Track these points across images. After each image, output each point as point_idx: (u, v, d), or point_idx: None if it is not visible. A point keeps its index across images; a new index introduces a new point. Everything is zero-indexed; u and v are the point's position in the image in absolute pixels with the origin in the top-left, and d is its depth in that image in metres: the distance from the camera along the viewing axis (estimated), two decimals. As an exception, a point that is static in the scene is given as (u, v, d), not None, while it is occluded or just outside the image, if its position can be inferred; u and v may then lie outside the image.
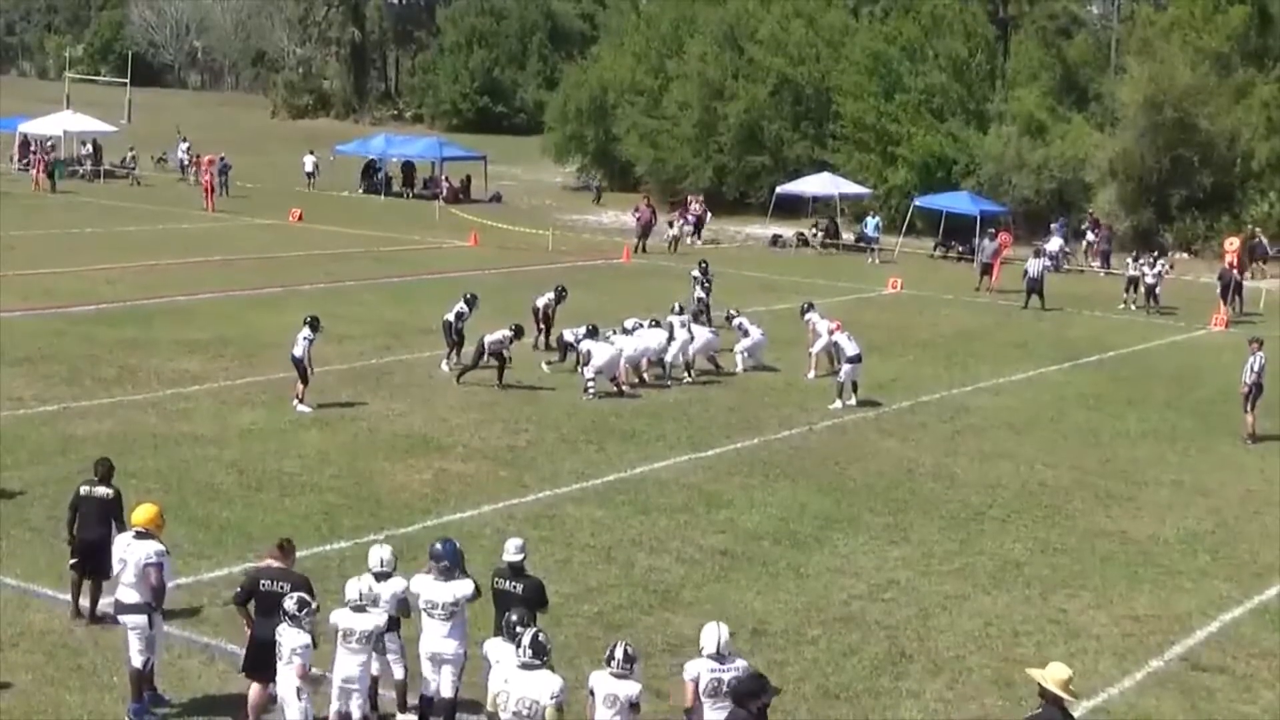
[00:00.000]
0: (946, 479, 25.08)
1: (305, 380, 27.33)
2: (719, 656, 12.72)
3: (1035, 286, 45.52)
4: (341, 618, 13.89)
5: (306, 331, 27.43)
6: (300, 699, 13.57)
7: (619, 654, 12.42)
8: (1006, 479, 25.24)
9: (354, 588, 14.15)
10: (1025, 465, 26.20)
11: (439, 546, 14.46)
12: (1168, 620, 18.95)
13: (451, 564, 14.38)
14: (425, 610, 14.32)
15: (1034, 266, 46.12)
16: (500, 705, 12.42)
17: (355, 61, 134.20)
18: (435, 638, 14.31)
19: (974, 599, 19.36)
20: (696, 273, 39.05)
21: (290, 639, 13.58)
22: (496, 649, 13.32)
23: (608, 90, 78.17)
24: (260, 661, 14.30)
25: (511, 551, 14.69)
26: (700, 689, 12.66)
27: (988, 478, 25.26)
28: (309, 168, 74.36)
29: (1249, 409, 28.89)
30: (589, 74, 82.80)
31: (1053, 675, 11.75)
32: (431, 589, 14.33)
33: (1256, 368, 28.83)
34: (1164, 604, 19.55)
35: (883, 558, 20.81)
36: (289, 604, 13.65)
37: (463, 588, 14.33)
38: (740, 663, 12.86)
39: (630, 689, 12.35)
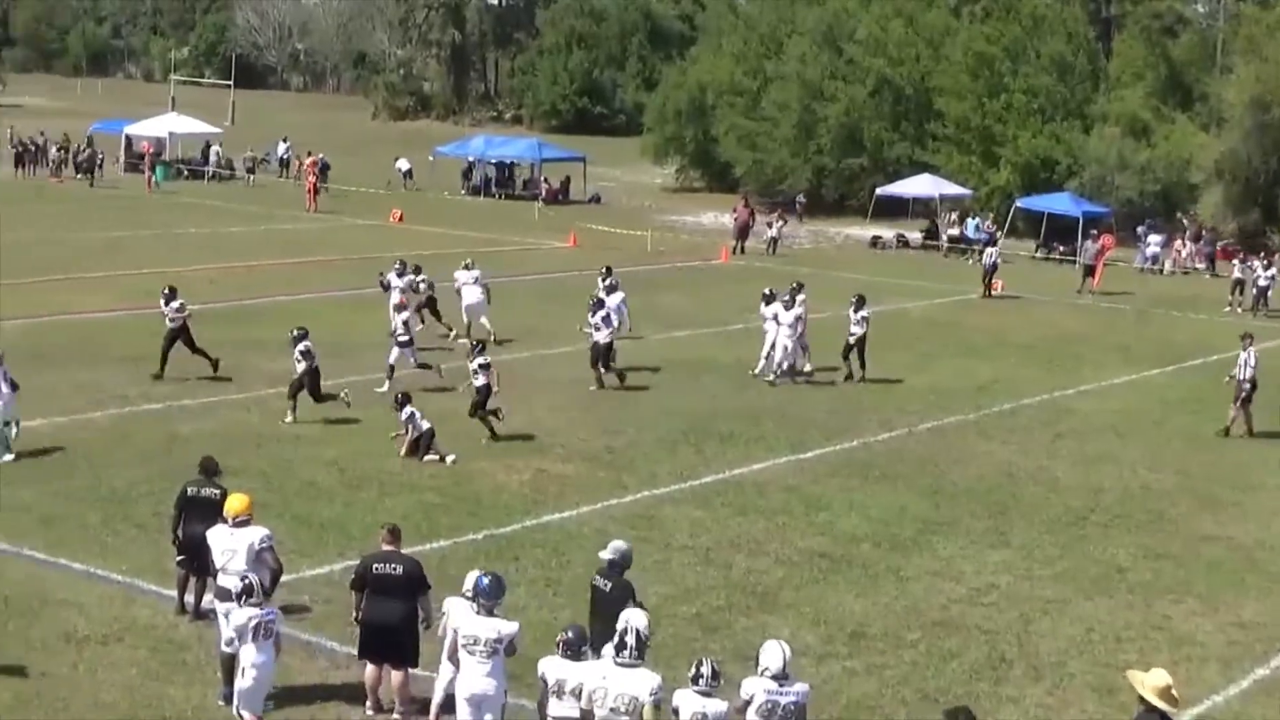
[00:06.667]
0: (1048, 483, 24.86)
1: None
2: (781, 677, 12.33)
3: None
4: (466, 623, 13.63)
5: (480, 359, 25.89)
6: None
7: (705, 671, 12.17)
8: (1109, 483, 24.98)
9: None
10: (1128, 469, 25.92)
11: (485, 581, 13.64)
12: (1274, 627, 18.68)
13: (495, 600, 13.65)
14: (464, 647, 13.56)
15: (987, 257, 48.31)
16: (596, 701, 12.33)
17: (455, 63, 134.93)
18: (475, 677, 13.49)
19: (1076, 604, 19.17)
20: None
21: (237, 616, 14.01)
22: (555, 668, 12.76)
23: (706, 91, 78.15)
24: (373, 643, 14.62)
25: (608, 551, 14.74)
26: (753, 709, 12.28)
27: (1090, 482, 25.00)
28: (405, 168, 74.99)
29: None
30: (688, 75, 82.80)
31: (1151, 682, 11.58)
32: (473, 624, 13.54)
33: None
34: (1271, 611, 19.27)
35: (983, 562, 20.66)
36: (236, 585, 14.12)
37: (508, 626, 13.58)
38: (800, 686, 12.50)
39: (717, 707, 12.10)
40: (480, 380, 25.39)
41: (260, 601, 14.01)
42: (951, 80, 67.62)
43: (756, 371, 31.63)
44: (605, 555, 14.75)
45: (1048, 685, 16.58)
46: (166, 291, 29.55)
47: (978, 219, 60.21)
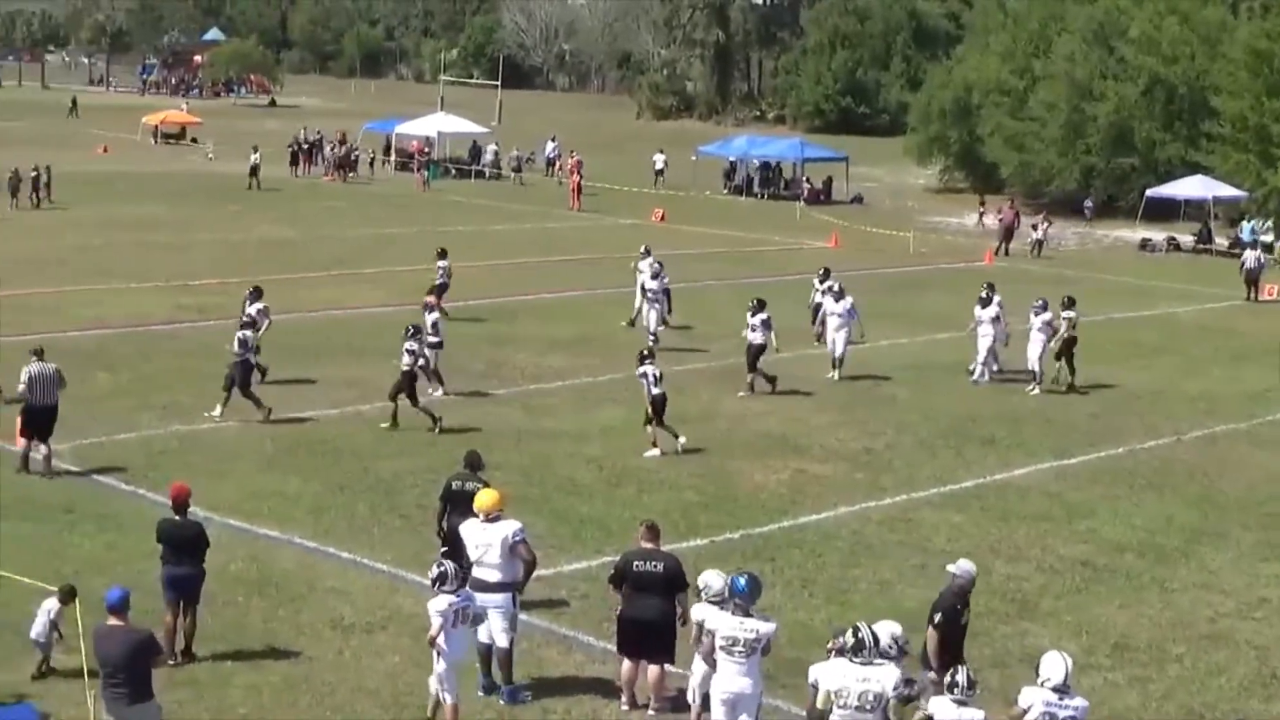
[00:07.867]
0: (1325, 495, 24.03)
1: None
2: (1062, 689, 12.12)
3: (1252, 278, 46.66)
4: (724, 624, 13.62)
5: (409, 344, 25.89)
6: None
7: (960, 679, 12.08)
8: (1391, 497, 24.04)
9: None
10: None
11: (741, 582, 13.69)
12: None
13: (753, 601, 13.66)
14: (722, 648, 13.56)
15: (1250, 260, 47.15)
16: (840, 700, 12.25)
17: (719, 63, 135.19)
18: (732, 677, 13.54)
19: (1352, 622, 18.51)
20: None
21: (435, 603, 14.18)
22: (827, 675, 12.52)
23: (972, 91, 77.14)
24: (631, 639, 14.73)
25: (952, 565, 14.91)
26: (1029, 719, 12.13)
27: (1370, 495, 24.10)
28: (659, 166, 75.47)
29: None
30: (953, 74, 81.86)
31: None
32: (730, 625, 13.55)
33: None
34: None
35: (1253, 575, 20.05)
36: (432, 572, 14.42)
37: (765, 625, 13.58)
38: (1080, 701, 12.26)
39: (973, 716, 12.00)
40: (406, 362, 25.65)
41: (455, 587, 14.21)
42: (1228, 78, 65.61)
43: (975, 377, 31.15)
44: (950, 567, 14.90)
45: (1321, 705, 16.04)
46: (251, 291, 28.99)
47: (1253, 221, 58.44)
